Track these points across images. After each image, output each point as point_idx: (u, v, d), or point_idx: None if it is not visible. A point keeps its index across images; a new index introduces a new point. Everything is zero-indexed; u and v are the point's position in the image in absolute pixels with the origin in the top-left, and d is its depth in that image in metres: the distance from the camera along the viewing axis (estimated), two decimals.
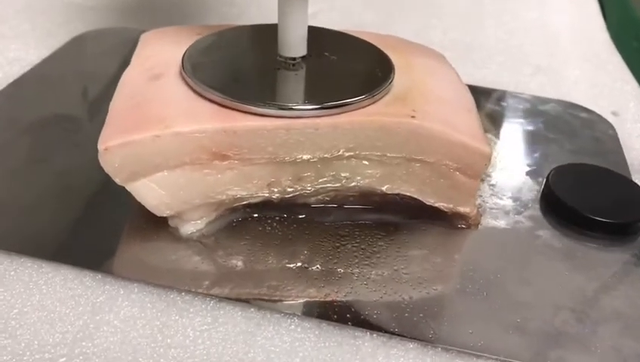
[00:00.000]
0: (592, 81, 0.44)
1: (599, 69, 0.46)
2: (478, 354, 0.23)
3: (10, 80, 0.37)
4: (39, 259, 0.26)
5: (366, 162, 0.28)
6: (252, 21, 0.48)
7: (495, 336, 0.24)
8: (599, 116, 0.39)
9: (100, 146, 0.25)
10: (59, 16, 0.46)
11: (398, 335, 0.24)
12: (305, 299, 0.25)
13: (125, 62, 0.31)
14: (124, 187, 0.26)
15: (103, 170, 0.26)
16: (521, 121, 0.39)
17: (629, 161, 0.35)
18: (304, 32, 0.29)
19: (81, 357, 0.22)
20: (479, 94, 0.41)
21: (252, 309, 0.24)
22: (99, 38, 0.45)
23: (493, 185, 0.33)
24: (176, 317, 0.24)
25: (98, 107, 0.36)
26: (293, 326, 0.24)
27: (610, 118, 0.39)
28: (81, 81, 0.39)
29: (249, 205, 0.29)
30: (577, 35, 0.51)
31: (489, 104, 0.40)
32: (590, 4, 0.55)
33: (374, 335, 0.24)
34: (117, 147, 0.25)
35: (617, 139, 0.37)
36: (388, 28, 0.50)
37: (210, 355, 0.22)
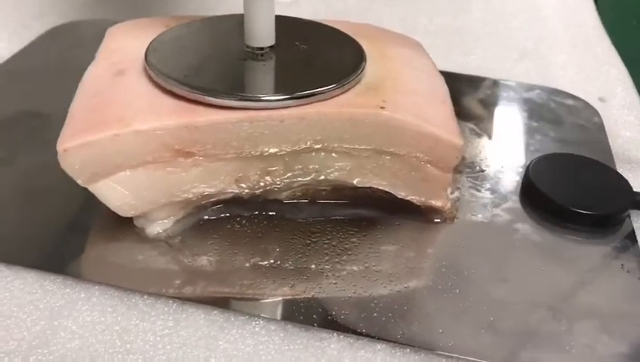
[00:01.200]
0: (579, 66, 0.43)
1: (587, 54, 0.45)
2: (448, 355, 0.23)
3: None
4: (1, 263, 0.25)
5: (335, 155, 0.27)
6: (231, 9, 0.47)
7: (466, 336, 0.23)
8: (585, 103, 0.38)
9: (59, 148, 0.25)
10: (33, 8, 0.45)
11: (366, 336, 0.23)
12: (275, 298, 0.25)
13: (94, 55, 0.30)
14: (80, 191, 0.25)
15: (63, 172, 0.25)
16: (505, 109, 0.38)
17: (613, 150, 0.34)
18: (271, 21, 0.28)
19: None
20: (462, 82, 0.40)
21: (215, 312, 0.24)
22: (74, 30, 0.44)
23: (472, 176, 0.32)
24: (137, 321, 0.23)
25: (68, 103, 0.35)
26: (257, 329, 0.23)
27: (597, 104, 0.38)
28: (52, 75, 0.38)
29: (218, 202, 0.28)
30: (566, 19, 0.50)
31: (473, 92, 0.39)
32: None
33: (341, 336, 0.23)
34: (76, 148, 0.25)
35: (603, 127, 0.36)
36: (373, 14, 0.49)
37: (170, 361, 0.22)
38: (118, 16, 0.44)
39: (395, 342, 0.23)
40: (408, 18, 0.49)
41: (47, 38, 0.42)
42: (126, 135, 0.25)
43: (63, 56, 0.41)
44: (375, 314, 0.24)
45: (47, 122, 0.34)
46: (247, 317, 0.24)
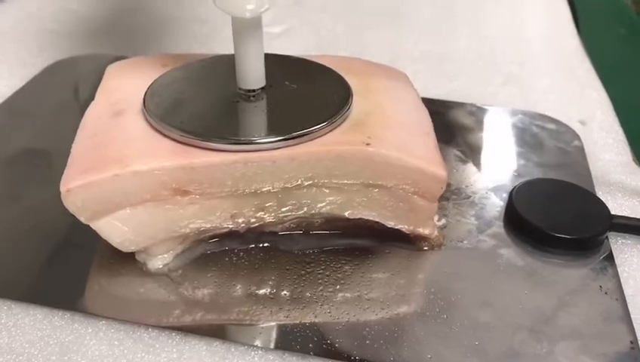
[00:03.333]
0: (561, 90, 0.45)
1: (569, 77, 0.46)
2: None
3: None
4: (8, 299, 0.26)
5: (326, 190, 0.28)
6: (223, 40, 0.49)
7: (453, 360, 0.25)
8: (566, 126, 0.40)
9: (62, 188, 0.26)
10: (32, 44, 0.47)
11: (359, 358, 0.25)
12: (271, 326, 0.26)
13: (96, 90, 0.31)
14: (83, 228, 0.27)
15: (65, 208, 0.26)
16: (489, 134, 0.39)
17: (593, 173, 0.36)
18: (261, 66, 0.30)
19: None
20: (447, 108, 0.42)
21: (216, 343, 0.25)
22: (73, 65, 0.45)
23: (458, 203, 0.33)
24: (143, 354, 0.24)
25: (69, 139, 0.36)
26: (256, 359, 0.25)
27: (578, 127, 0.40)
28: (54, 111, 0.40)
29: (215, 236, 0.29)
30: (548, 42, 0.52)
31: (457, 118, 0.41)
32: (562, 11, 0.56)
33: None
34: (78, 188, 0.26)
35: (583, 151, 0.38)
36: (358, 40, 0.51)
37: None
38: (115, 50, 0.46)
39: None
40: (394, 45, 0.51)
41: (47, 74, 0.43)
42: (126, 175, 0.26)
43: (63, 92, 0.42)
44: (367, 341, 0.25)
45: (48, 159, 0.35)
46: (246, 347, 0.25)
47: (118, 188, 0.26)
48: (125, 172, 0.26)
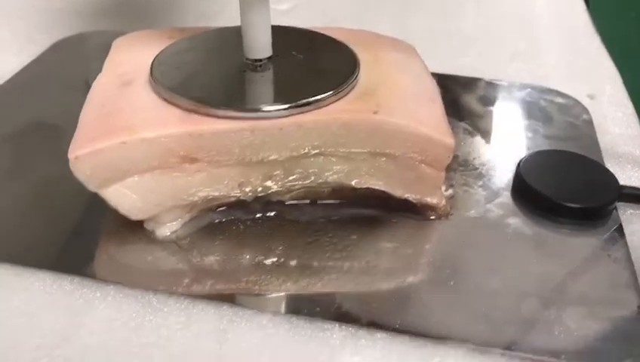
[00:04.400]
0: (570, 65, 0.44)
1: (578, 53, 0.46)
2: (443, 342, 0.24)
3: None
4: (18, 265, 0.27)
5: (333, 159, 0.28)
6: (231, 18, 0.49)
7: (460, 324, 0.25)
8: (575, 100, 0.40)
9: (70, 155, 0.26)
10: (39, 22, 0.47)
11: (366, 326, 0.25)
12: (279, 294, 0.26)
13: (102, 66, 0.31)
14: (92, 197, 0.27)
15: (74, 178, 0.26)
16: (498, 108, 0.39)
17: (602, 146, 0.35)
18: (267, 34, 0.30)
19: (60, 359, 0.23)
20: (456, 83, 0.41)
21: (224, 306, 0.25)
22: (80, 42, 0.45)
23: (465, 174, 0.33)
24: (151, 318, 0.25)
25: (76, 113, 0.37)
26: (264, 322, 0.25)
27: (587, 102, 0.40)
28: (61, 87, 0.40)
29: (223, 205, 0.30)
30: (557, 20, 0.51)
31: (466, 93, 0.41)
32: None
33: (343, 327, 0.25)
34: (86, 155, 0.26)
35: (592, 124, 0.37)
36: (366, 18, 0.50)
37: (184, 352, 0.23)
38: (122, 27, 0.46)
39: (393, 331, 0.24)
40: (402, 22, 0.50)
41: (54, 50, 0.43)
42: (133, 142, 0.26)
43: (70, 67, 0.42)
44: (375, 306, 0.26)
45: (56, 132, 0.36)
46: (254, 311, 0.25)
47: (125, 156, 0.26)
48: (133, 139, 0.26)
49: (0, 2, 0.49)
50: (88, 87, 0.30)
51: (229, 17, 0.47)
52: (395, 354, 0.24)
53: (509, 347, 0.24)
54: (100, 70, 0.31)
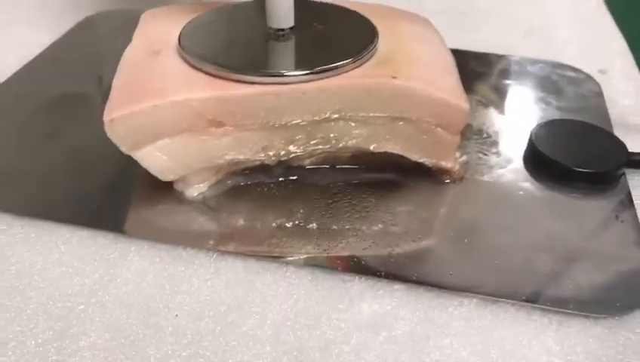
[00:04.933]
0: (581, 41, 0.45)
1: (590, 29, 0.47)
2: (457, 292, 0.25)
3: (23, 62, 0.40)
4: (56, 222, 0.28)
5: (352, 123, 0.30)
6: None
7: (474, 277, 0.26)
8: (586, 75, 0.41)
9: (106, 118, 0.28)
10: (63, 1, 0.49)
11: (385, 277, 0.26)
12: (301, 255, 0.28)
13: (127, 42, 0.33)
14: (130, 156, 0.28)
15: (111, 143, 0.28)
16: (510, 81, 0.40)
17: (612, 117, 0.36)
18: (290, 5, 0.31)
19: (97, 305, 0.24)
20: (471, 58, 0.43)
21: (251, 260, 0.27)
22: (105, 20, 0.47)
23: (479, 142, 0.34)
24: (183, 268, 0.26)
25: (106, 85, 0.38)
26: (288, 274, 0.26)
27: (598, 76, 0.41)
28: (89, 61, 0.41)
29: (247, 169, 0.31)
30: None
31: (480, 67, 0.42)
32: None
33: (362, 279, 0.26)
34: (121, 118, 0.28)
35: (602, 96, 0.38)
36: None
37: (213, 300, 0.25)
38: (142, 5, 0.47)
39: (410, 282, 0.26)
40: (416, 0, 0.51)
41: (80, 27, 0.45)
42: (164, 106, 0.28)
43: (96, 44, 0.44)
44: (392, 260, 0.27)
45: (87, 102, 0.37)
46: (279, 264, 0.27)
47: (157, 119, 0.28)
48: (164, 102, 0.28)
49: None
50: (115, 59, 0.32)
51: None
52: (411, 303, 0.25)
53: (519, 297, 0.25)
54: (123, 44, 0.33)
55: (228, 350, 0.23)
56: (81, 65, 0.41)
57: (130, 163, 0.29)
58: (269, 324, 0.24)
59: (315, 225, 0.29)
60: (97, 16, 0.46)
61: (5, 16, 0.46)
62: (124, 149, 0.28)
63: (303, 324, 0.24)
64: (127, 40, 0.33)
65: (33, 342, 0.23)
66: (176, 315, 0.24)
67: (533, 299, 0.25)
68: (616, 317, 0.25)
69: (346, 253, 0.27)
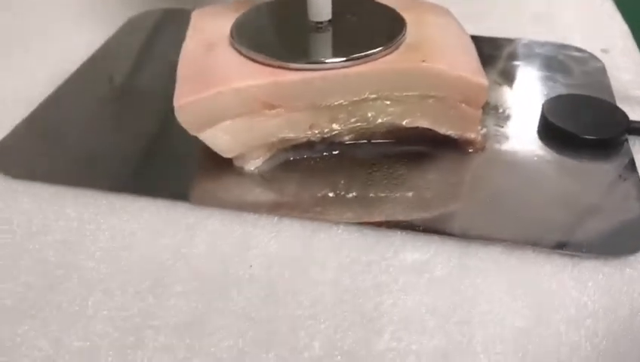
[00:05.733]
0: (585, 24, 0.49)
1: (592, 12, 0.51)
2: (484, 241, 0.30)
3: (83, 59, 0.44)
4: (136, 195, 0.33)
5: (388, 102, 0.34)
6: None
7: (499, 228, 0.31)
8: (590, 54, 0.45)
9: (176, 104, 0.32)
10: (111, 1, 0.53)
11: (422, 232, 0.30)
12: (342, 221, 0.32)
13: (175, 38, 0.37)
14: (192, 141, 0.33)
15: (173, 128, 0.32)
16: (521, 62, 0.45)
17: (614, 91, 0.41)
18: (328, 0, 0.35)
19: (182, 260, 0.29)
20: (483, 42, 0.46)
21: (307, 221, 0.31)
22: (149, 18, 0.51)
23: (497, 116, 0.38)
24: (250, 229, 0.31)
25: (160, 78, 0.43)
26: (339, 231, 0.31)
27: (601, 55, 0.45)
28: (141, 56, 0.46)
29: (295, 145, 0.35)
30: None
31: (492, 50, 0.46)
32: None
33: (404, 233, 0.30)
34: (189, 104, 0.32)
35: (605, 73, 0.43)
36: None
37: (279, 252, 0.29)
38: (181, 4, 0.51)
39: (444, 235, 0.30)
40: None
41: (129, 26, 0.49)
42: (227, 92, 0.32)
43: (146, 40, 0.48)
44: (428, 218, 0.31)
45: (145, 94, 0.42)
46: (330, 224, 0.31)
47: (220, 103, 0.32)
48: (227, 89, 0.32)
49: None
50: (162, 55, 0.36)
51: None
52: (447, 252, 0.30)
53: (537, 243, 0.30)
54: (169, 42, 0.37)
55: (297, 291, 0.27)
56: (134, 60, 0.45)
57: (192, 147, 0.33)
58: (329, 270, 0.28)
59: (355, 193, 0.34)
60: (142, 16, 0.51)
61: (62, 15, 0.51)
62: (191, 131, 0.33)
63: (357, 270, 0.29)
64: (171, 36, 0.37)
65: (132, 290, 0.28)
66: (251, 266, 0.29)
67: (551, 245, 0.30)
68: (621, 258, 0.29)
69: (386, 215, 0.32)
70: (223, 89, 0.32)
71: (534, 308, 0.27)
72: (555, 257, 0.29)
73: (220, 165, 0.34)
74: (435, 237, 0.30)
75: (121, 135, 0.38)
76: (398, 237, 0.30)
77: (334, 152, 0.36)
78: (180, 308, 0.27)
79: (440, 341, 0.25)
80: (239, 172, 0.34)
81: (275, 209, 0.32)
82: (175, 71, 0.34)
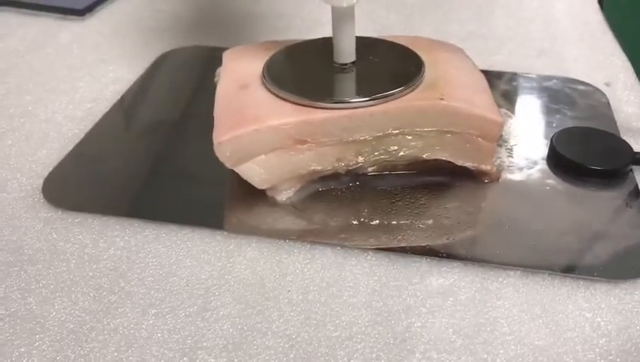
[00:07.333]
0: (588, 58, 0.52)
1: (594, 47, 0.54)
2: (503, 267, 0.32)
3: (117, 96, 0.47)
4: (178, 224, 0.35)
5: (409, 137, 0.37)
6: (297, 30, 0.58)
7: (516, 253, 0.33)
8: (594, 87, 0.48)
9: (215, 141, 0.35)
10: (140, 39, 0.56)
11: (446, 258, 0.33)
12: (368, 245, 0.34)
13: (203, 75, 0.40)
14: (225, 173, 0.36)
15: (208, 159, 0.35)
16: (529, 96, 0.47)
17: (618, 123, 0.43)
18: (352, 43, 0.38)
19: (226, 286, 0.31)
20: (493, 77, 0.50)
21: (338, 247, 0.34)
22: (178, 55, 0.54)
23: (509, 148, 0.41)
24: (285, 256, 0.33)
25: (191, 112, 0.46)
26: (369, 257, 0.33)
27: (604, 88, 0.48)
28: (172, 92, 0.49)
29: (324, 177, 0.38)
30: (575, 19, 0.59)
31: (502, 85, 0.49)
32: None
33: (428, 259, 0.33)
34: (227, 141, 0.35)
35: (609, 106, 0.45)
36: (411, 26, 0.59)
37: (314, 278, 0.32)
38: (207, 42, 0.55)
39: (466, 260, 0.33)
40: (442, 27, 0.59)
41: (159, 63, 0.52)
42: (262, 129, 0.35)
43: (175, 77, 0.51)
44: (449, 244, 0.34)
45: (179, 128, 0.45)
46: (360, 250, 0.34)
47: (256, 140, 0.35)
48: (262, 127, 0.35)
49: (108, 25, 0.59)
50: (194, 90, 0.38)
51: (295, 31, 0.57)
52: (469, 276, 0.32)
53: (551, 268, 0.32)
54: (198, 77, 0.39)
55: (333, 314, 0.30)
56: (165, 96, 0.48)
57: (224, 179, 0.36)
58: (362, 294, 0.31)
59: (377, 221, 0.36)
60: (171, 53, 0.54)
61: (95, 55, 0.54)
62: (228, 165, 0.36)
63: (388, 294, 0.31)
64: (200, 72, 0.40)
65: (182, 313, 0.30)
66: (289, 290, 0.31)
67: (565, 270, 0.32)
68: (630, 281, 0.31)
69: (409, 242, 0.34)
70: (258, 127, 0.35)
71: (551, 328, 0.29)
72: (569, 280, 0.32)
73: (253, 196, 0.37)
74: (458, 263, 0.33)
75: (158, 168, 0.41)
76: (423, 263, 0.33)
77: (359, 183, 0.39)
78: (227, 330, 0.29)
79: (467, 359, 0.28)
80: (271, 202, 0.37)
81: (304, 236, 0.35)
82: (206, 106, 0.37)
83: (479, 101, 0.37)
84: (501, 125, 0.36)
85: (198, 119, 0.45)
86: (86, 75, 0.51)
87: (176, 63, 0.53)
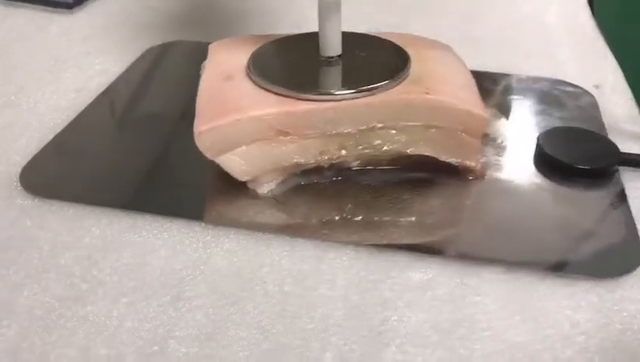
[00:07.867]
0: (578, 61, 0.52)
1: (584, 50, 0.54)
2: (486, 263, 0.32)
3: (102, 88, 0.47)
4: (155, 214, 0.35)
5: (393, 131, 0.36)
6: (286, 27, 0.57)
7: (498, 250, 0.33)
8: (583, 89, 0.47)
9: (196, 131, 0.34)
10: (128, 33, 0.56)
11: (426, 253, 0.32)
12: (351, 240, 0.34)
13: (189, 68, 0.39)
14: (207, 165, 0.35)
15: (191, 152, 0.34)
16: (518, 97, 0.47)
17: (606, 124, 0.43)
18: (339, 36, 0.38)
19: (201, 276, 0.31)
20: (483, 77, 0.49)
21: (318, 241, 0.33)
22: (166, 50, 0.54)
23: (495, 147, 0.41)
24: (263, 248, 0.33)
25: (175, 105, 0.45)
26: (349, 251, 0.33)
27: (593, 90, 0.47)
28: (157, 85, 0.48)
29: (306, 170, 0.38)
30: (566, 23, 0.59)
31: (492, 85, 0.48)
32: None
33: (408, 254, 0.32)
34: (207, 130, 0.34)
35: (597, 107, 0.45)
36: (403, 27, 0.58)
37: (291, 270, 0.31)
38: (197, 37, 0.54)
39: (445, 255, 0.32)
40: (434, 29, 0.58)
41: (145, 57, 0.52)
42: (244, 120, 0.35)
43: (162, 70, 0.51)
44: (430, 241, 0.33)
45: (164, 120, 0.44)
46: (340, 244, 0.33)
47: (237, 130, 0.35)
48: (244, 117, 0.34)
49: (97, 19, 0.58)
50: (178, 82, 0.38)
51: (282, 26, 0.56)
52: (449, 272, 0.31)
53: (534, 265, 0.32)
54: (185, 71, 0.39)
55: (309, 306, 0.29)
56: (150, 89, 0.48)
57: (207, 173, 0.35)
58: (339, 287, 0.30)
59: (360, 216, 0.36)
60: (158, 47, 0.53)
61: (82, 48, 0.53)
62: (209, 155, 0.35)
63: (365, 287, 0.30)
64: (186, 66, 0.40)
65: (155, 303, 0.29)
66: (265, 282, 0.31)
67: (547, 267, 0.32)
68: (612, 279, 0.31)
69: (390, 238, 0.34)
70: (240, 117, 0.35)
71: (530, 324, 0.29)
72: (550, 278, 0.31)
73: (234, 188, 0.36)
74: (438, 259, 0.32)
75: (139, 158, 0.40)
76: (403, 258, 0.32)
77: (342, 178, 0.38)
78: (200, 320, 0.28)
79: (442, 354, 0.27)
80: (252, 195, 0.37)
81: (285, 230, 0.34)
82: (192, 99, 0.37)
83: (465, 96, 0.36)
84: (486, 121, 0.36)
85: (181, 112, 0.44)
86: (72, 67, 0.50)
87: (163, 57, 0.52)
